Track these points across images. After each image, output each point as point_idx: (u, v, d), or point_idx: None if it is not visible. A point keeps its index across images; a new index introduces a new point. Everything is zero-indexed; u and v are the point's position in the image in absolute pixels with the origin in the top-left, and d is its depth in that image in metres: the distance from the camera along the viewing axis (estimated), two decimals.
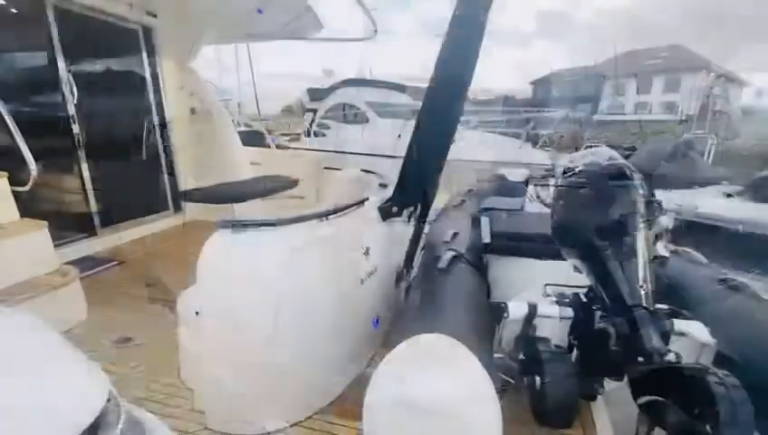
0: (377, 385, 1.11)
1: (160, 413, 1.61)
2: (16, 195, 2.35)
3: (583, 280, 1.54)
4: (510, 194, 3.12)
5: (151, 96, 4.21)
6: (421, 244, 2.33)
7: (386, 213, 2.12)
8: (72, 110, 3.35)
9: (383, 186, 2.54)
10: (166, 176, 4.44)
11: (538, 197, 2.47)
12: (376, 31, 3.99)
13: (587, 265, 1.32)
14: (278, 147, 8.47)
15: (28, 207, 3.72)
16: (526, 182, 3.28)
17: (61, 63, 3.26)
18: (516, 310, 1.51)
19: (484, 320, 1.56)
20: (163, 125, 4.34)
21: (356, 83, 12.22)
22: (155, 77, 4.19)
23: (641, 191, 1.19)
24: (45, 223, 2.34)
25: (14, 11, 3.33)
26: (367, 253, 1.89)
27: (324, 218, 1.67)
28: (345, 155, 6.43)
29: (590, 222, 1.17)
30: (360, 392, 1.11)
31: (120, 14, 3.68)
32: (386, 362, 1.15)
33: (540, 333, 1.54)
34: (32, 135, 4.00)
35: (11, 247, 2.14)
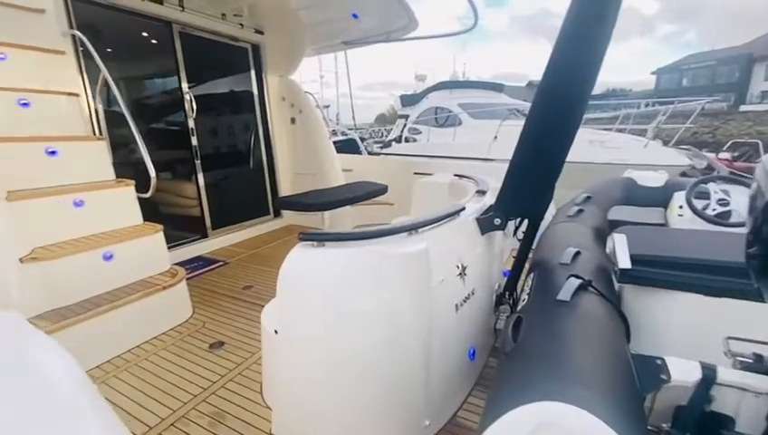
0: None
1: (238, 432, 1.55)
2: (141, 200, 2.61)
3: None
4: (644, 203, 2.50)
5: (257, 108, 4.53)
6: (528, 264, 1.95)
7: (486, 225, 1.79)
8: (191, 124, 3.72)
9: (481, 193, 2.21)
10: (268, 183, 4.73)
11: (693, 208, 1.87)
12: (476, 22, 3.66)
13: None
14: (370, 153, 8.59)
15: (156, 210, 4.28)
16: (669, 188, 2.60)
17: (184, 84, 3.65)
18: (683, 371, 1.07)
19: (627, 377, 1.14)
20: (267, 136, 4.63)
21: (449, 86, 11.89)
22: (261, 90, 4.50)
23: None
24: (161, 227, 2.55)
25: (154, 42, 3.84)
26: (463, 273, 1.60)
27: (414, 231, 1.43)
28: (441, 160, 6.16)
29: None
30: None
31: (232, 35, 4.01)
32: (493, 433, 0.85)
33: (719, 408, 1.07)
34: (164, 148, 4.63)
35: (132, 249, 2.37)
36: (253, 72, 4.40)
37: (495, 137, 7.34)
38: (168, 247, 3.50)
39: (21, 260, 1.95)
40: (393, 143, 11.68)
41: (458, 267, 1.58)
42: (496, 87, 11.51)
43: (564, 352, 1.08)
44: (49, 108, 2.47)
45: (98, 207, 2.38)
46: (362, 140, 15.19)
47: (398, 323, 1.30)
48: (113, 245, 2.29)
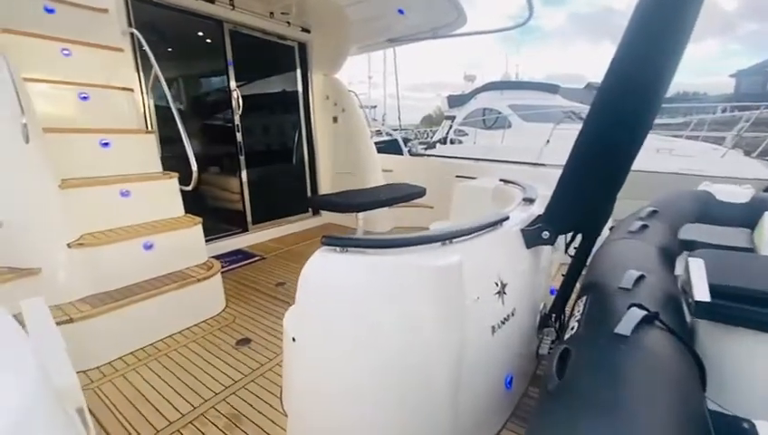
0: None
1: None
2: (189, 192, 2.63)
3: None
4: (724, 222, 2.15)
5: (301, 107, 4.57)
6: (579, 284, 1.73)
7: (532, 238, 1.60)
8: (237, 120, 3.81)
9: (528, 201, 2.00)
10: (308, 180, 4.76)
11: None
12: (531, 15, 3.41)
13: None
14: (411, 154, 8.42)
15: (202, 203, 4.44)
16: (756, 205, 2.21)
17: (232, 82, 3.74)
18: None
19: None
20: (309, 134, 4.66)
21: (499, 86, 11.45)
22: (305, 89, 4.53)
23: None
24: (200, 220, 2.60)
25: (205, 40, 3.98)
26: (503, 291, 1.43)
27: (447, 241, 1.29)
28: (486, 163, 5.89)
29: None
30: None
31: (279, 33, 4.06)
32: None
33: None
34: (212, 143, 4.81)
35: (172, 240, 2.42)
36: (298, 71, 4.44)
37: (548, 141, 6.89)
38: (211, 239, 3.60)
39: (69, 245, 2.05)
40: (438, 144, 11.44)
41: (497, 284, 1.41)
42: (551, 88, 10.91)
43: (621, 399, 0.89)
44: (105, 102, 2.61)
45: (143, 198, 2.46)
46: (407, 141, 15.08)
47: (423, 344, 1.17)
48: (154, 235, 2.35)
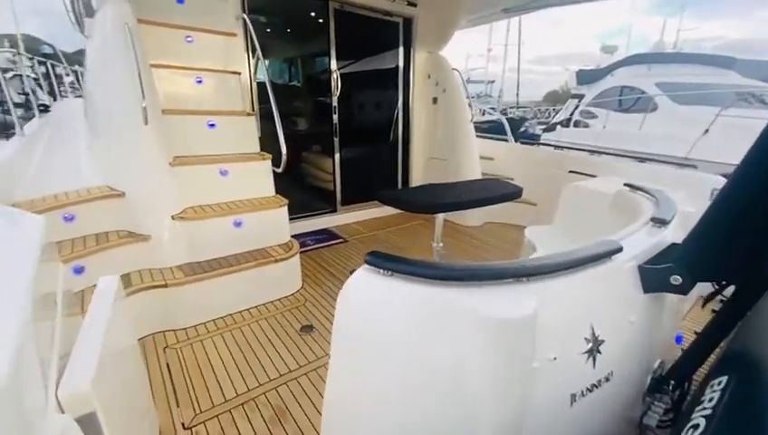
0: None
1: None
2: (286, 168, 2.64)
3: None
4: None
5: (401, 87, 4.39)
6: (720, 349, 1.23)
7: (655, 281, 1.17)
8: (334, 102, 3.82)
9: (659, 222, 1.48)
10: (400, 165, 4.62)
11: None
12: None
13: None
14: (519, 139, 7.47)
15: (297, 180, 4.66)
16: None
17: (333, 62, 3.74)
18: None
19: None
20: (406, 116, 4.47)
21: (647, 59, 9.44)
22: (407, 68, 4.32)
23: None
24: (286, 201, 2.68)
25: (312, 21, 4.03)
26: (596, 349, 1.07)
27: (523, 279, 0.99)
28: (611, 158, 4.94)
29: None
30: None
31: (385, 9, 3.89)
32: None
33: None
34: (313, 123, 4.98)
35: (259, 219, 2.55)
36: (401, 49, 4.23)
37: (707, 130, 5.40)
38: (301, 217, 3.76)
39: (173, 217, 2.30)
40: (558, 127, 10.09)
41: (588, 340, 1.06)
42: (722, 61, 8.47)
43: None
44: (216, 85, 2.82)
45: (238, 177, 2.63)
46: (523, 120, 13.69)
47: (466, 411, 0.93)
48: (244, 213, 2.50)
